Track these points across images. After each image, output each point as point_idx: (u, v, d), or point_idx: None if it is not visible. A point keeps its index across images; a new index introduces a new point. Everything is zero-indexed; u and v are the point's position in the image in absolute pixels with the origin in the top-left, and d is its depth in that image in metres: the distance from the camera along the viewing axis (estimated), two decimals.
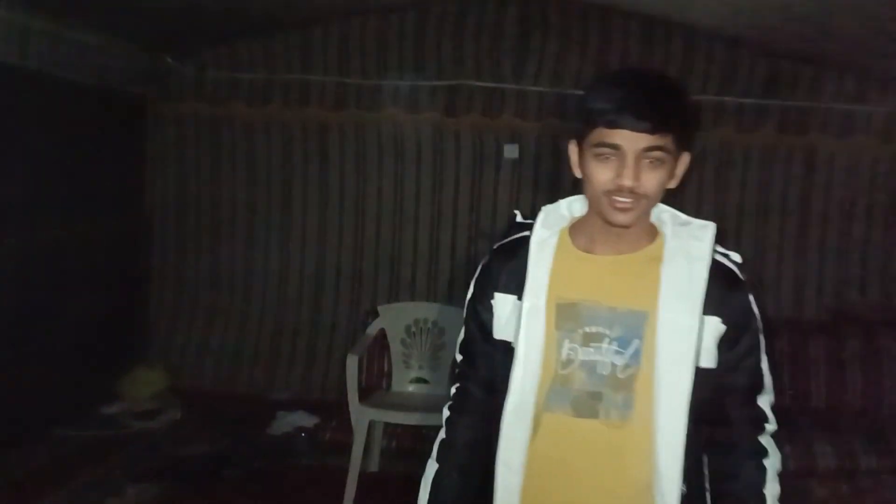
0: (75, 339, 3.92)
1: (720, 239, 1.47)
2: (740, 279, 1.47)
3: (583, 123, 1.40)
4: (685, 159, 1.45)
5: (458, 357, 1.65)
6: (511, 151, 4.44)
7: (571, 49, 4.37)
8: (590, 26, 4.35)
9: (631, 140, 1.34)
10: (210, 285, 4.64)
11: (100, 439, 3.80)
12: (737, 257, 1.50)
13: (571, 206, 1.57)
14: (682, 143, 1.40)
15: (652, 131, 1.33)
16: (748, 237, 4.46)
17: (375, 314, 3.85)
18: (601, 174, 1.38)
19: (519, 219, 1.60)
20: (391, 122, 4.48)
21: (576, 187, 1.48)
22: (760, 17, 3.57)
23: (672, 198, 1.46)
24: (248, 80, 4.50)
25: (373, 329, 3.77)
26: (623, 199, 1.37)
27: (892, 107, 4.29)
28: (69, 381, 3.84)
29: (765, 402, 1.51)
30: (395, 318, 3.82)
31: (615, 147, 1.35)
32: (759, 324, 1.50)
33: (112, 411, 4.11)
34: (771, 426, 1.50)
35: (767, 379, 1.51)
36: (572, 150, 1.47)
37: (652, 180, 1.37)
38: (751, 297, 1.47)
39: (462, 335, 1.64)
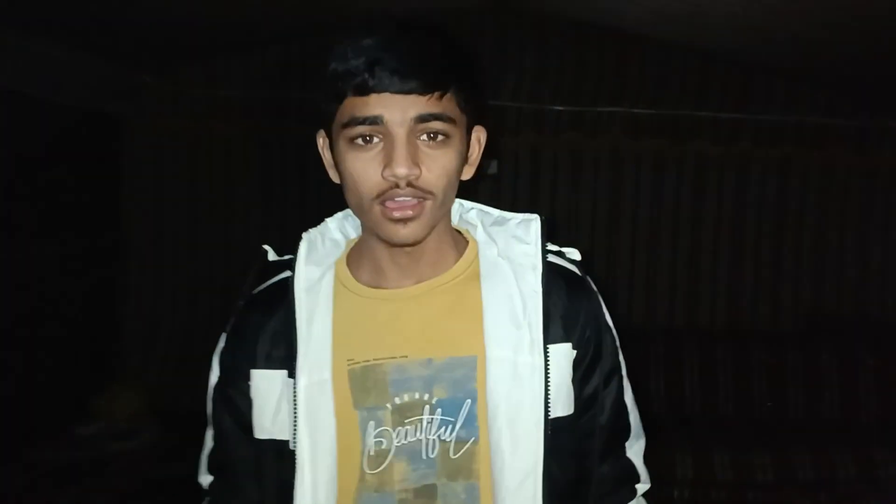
0: (49, 357, 3.86)
1: (550, 234, 1.14)
2: (585, 282, 1.14)
3: (327, 100, 1.03)
4: (480, 135, 1.12)
5: (206, 479, 1.15)
6: (491, 168, 4.45)
7: (549, 64, 4.40)
8: (567, 43, 4.39)
9: (396, 107, 0.98)
10: (188, 301, 4.60)
11: (75, 462, 3.73)
12: (574, 254, 1.17)
13: (344, 227, 1.19)
14: (471, 111, 1.07)
15: (423, 90, 0.99)
16: (726, 246, 4.51)
17: None
18: (362, 168, 1.00)
19: (272, 256, 1.17)
20: None
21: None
22: (733, 32, 3.62)
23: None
24: (225, 96, 4.48)
25: None
26: (401, 200, 1.00)
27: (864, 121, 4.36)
28: (42, 400, 3.78)
29: (635, 451, 1.17)
30: None
31: (375, 121, 0.98)
32: (616, 340, 1.16)
33: (88, 432, 4.04)
34: (643, 485, 1.17)
35: (634, 417, 1.17)
36: (322, 144, 1.11)
37: (437, 165, 1.01)
38: (602, 305, 1.14)
39: (208, 443, 1.15)
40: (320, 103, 1.05)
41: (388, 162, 0.99)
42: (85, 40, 3.67)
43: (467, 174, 1.11)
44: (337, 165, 1.06)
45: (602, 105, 4.41)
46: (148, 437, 4.06)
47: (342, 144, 1.02)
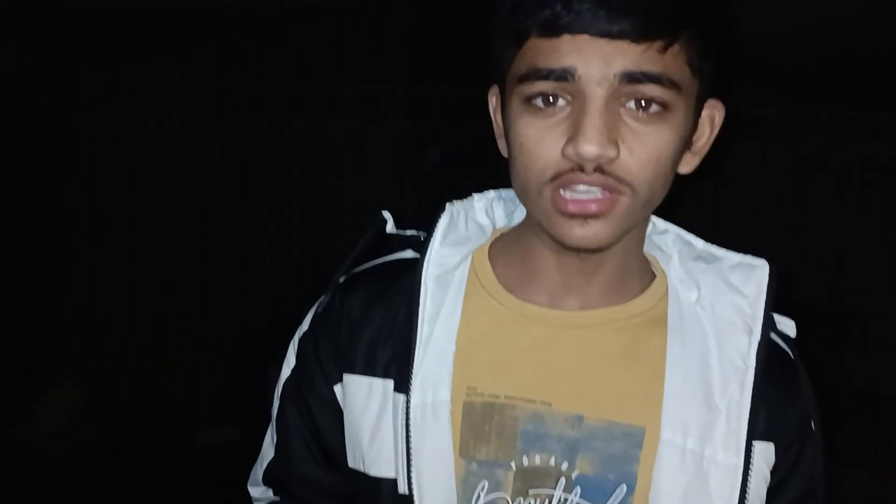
0: None
1: (779, 291, 0.84)
2: (798, 369, 0.85)
3: (503, 43, 0.76)
4: (715, 112, 0.82)
5: (258, 490, 0.95)
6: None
7: None
8: None
9: (596, 57, 0.70)
10: (128, 298, 4.49)
11: (11, 463, 3.61)
12: (789, 326, 0.88)
13: (493, 211, 0.93)
14: (706, 76, 0.76)
15: (639, 35, 0.70)
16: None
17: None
18: (536, 138, 0.73)
19: (392, 227, 0.92)
20: (309, 129, 4.43)
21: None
22: None
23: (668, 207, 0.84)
24: (164, 86, 4.38)
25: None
26: (584, 191, 0.72)
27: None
28: None
29: None
30: None
31: (563, 74, 0.71)
32: (821, 456, 0.86)
33: (24, 433, 3.92)
34: None
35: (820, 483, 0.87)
36: (494, 104, 0.84)
37: (645, 146, 0.72)
38: (813, 404, 0.85)
39: (267, 452, 0.93)
40: (494, 46, 0.78)
41: (573, 134, 0.71)
42: (14, 28, 3.55)
43: (688, 166, 0.81)
44: (507, 134, 0.77)
45: None
46: (86, 437, 3.97)
47: (515, 105, 0.74)
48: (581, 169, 0.71)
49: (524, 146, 0.74)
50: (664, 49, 0.70)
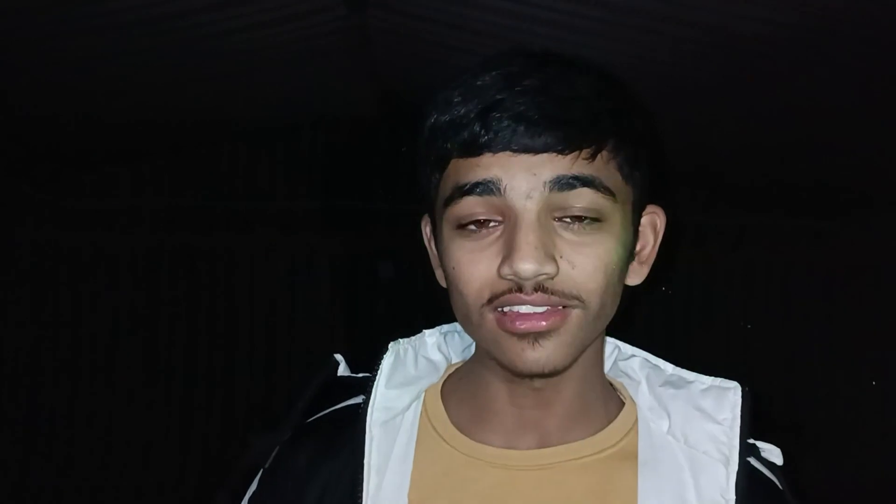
0: None
1: (756, 415, 0.79)
2: (787, 501, 0.79)
3: (428, 170, 0.75)
4: (656, 219, 0.80)
5: None
6: (385, 270, 4.43)
7: None
8: None
9: (521, 170, 0.68)
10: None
11: None
12: (774, 454, 0.83)
13: (447, 346, 0.87)
14: (639, 182, 0.75)
15: (564, 145, 0.68)
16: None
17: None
18: (469, 262, 0.70)
19: (344, 369, 0.87)
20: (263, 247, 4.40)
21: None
22: None
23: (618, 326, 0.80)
24: (112, 206, 4.34)
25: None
26: (528, 309, 0.68)
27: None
28: None
29: None
30: None
31: (488, 188, 0.68)
32: None
33: None
34: None
35: None
36: (428, 234, 0.82)
37: (587, 258, 0.69)
38: None
39: None
40: (420, 175, 0.76)
41: (507, 252, 0.67)
42: None
43: (637, 277, 0.78)
44: (441, 262, 0.74)
45: None
46: None
47: (447, 231, 0.71)
48: (520, 289, 0.67)
49: (457, 270, 0.70)
50: (592, 156, 0.69)
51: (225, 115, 3.74)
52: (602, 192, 0.69)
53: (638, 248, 0.77)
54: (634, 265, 0.77)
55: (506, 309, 0.69)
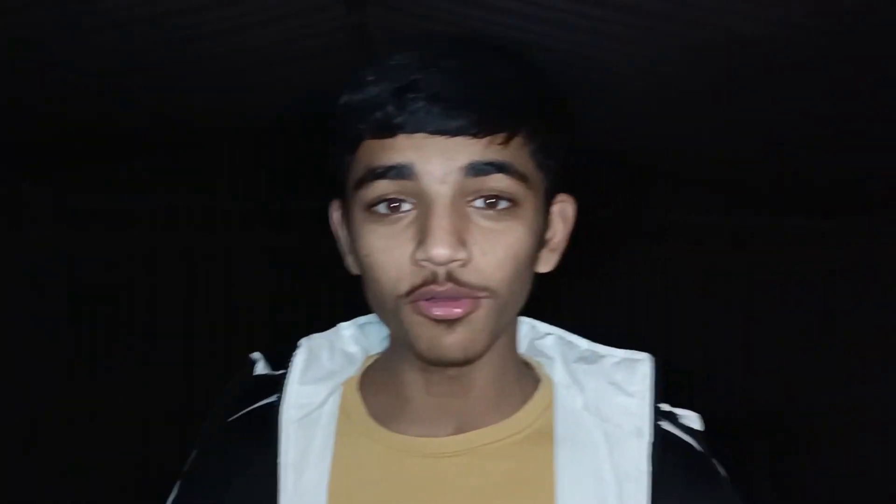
0: None
1: (668, 384, 0.79)
2: (709, 465, 0.78)
3: (339, 152, 0.72)
4: (566, 208, 0.79)
5: None
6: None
7: None
8: None
9: (435, 153, 0.67)
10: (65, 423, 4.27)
11: None
12: (693, 420, 0.81)
13: (364, 338, 0.86)
14: (552, 170, 0.74)
15: (479, 128, 0.67)
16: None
17: None
18: (383, 249, 0.69)
19: (261, 368, 0.85)
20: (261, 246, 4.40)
21: None
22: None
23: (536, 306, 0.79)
24: (110, 203, 4.34)
25: None
26: (441, 299, 0.68)
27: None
28: None
29: None
30: None
31: (401, 172, 0.67)
32: None
33: None
34: None
35: None
36: (337, 219, 0.79)
37: (499, 245, 0.69)
38: (736, 498, 0.78)
39: None
40: (331, 158, 0.74)
41: (421, 237, 0.66)
42: None
43: (547, 265, 0.77)
44: (353, 248, 0.73)
45: None
46: None
47: (357, 215, 0.70)
48: (434, 281, 0.66)
49: (371, 258, 0.69)
50: (506, 141, 0.68)
51: (223, 113, 3.73)
52: (515, 178, 0.68)
53: (549, 236, 0.77)
54: (545, 252, 0.76)
55: (418, 302, 0.68)
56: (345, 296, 0.80)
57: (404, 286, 0.68)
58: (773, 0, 1.94)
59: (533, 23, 2.39)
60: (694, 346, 4.60)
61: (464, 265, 0.67)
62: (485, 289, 0.68)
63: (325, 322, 0.87)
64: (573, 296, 4.10)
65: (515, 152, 0.68)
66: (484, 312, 0.69)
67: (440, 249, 0.65)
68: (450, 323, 0.68)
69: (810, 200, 4.11)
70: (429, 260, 0.65)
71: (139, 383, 4.29)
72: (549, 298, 0.77)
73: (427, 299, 0.67)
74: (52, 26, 2.35)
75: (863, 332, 4.24)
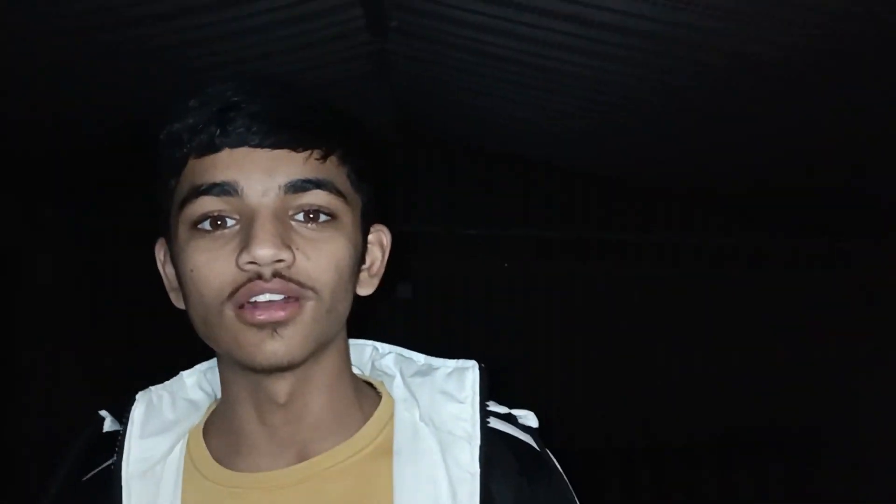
0: None
1: (495, 387, 0.82)
2: (544, 458, 0.82)
3: (163, 178, 0.74)
4: (382, 236, 0.84)
5: None
6: (404, 291, 4.46)
7: (460, 189, 4.54)
8: (475, 168, 4.55)
9: (257, 169, 0.70)
10: None
11: None
12: (529, 418, 0.85)
13: (207, 383, 0.86)
14: (365, 194, 0.78)
15: (297, 143, 0.71)
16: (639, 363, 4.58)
17: None
18: (207, 259, 0.70)
19: (110, 424, 0.82)
20: None
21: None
22: (634, 159, 3.82)
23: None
24: (130, 224, 4.39)
25: None
26: (268, 300, 0.69)
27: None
28: None
29: None
30: None
31: (225, 188, 0.69)
32: None
33: None
34: None
35: None
36: (162, 258, 0.80)
37: (320, 251, 0.71)
38: (570, 491, 0.83)
39: None
40: (156, 189, 0.75)
41: (245, 243, 0.68)
42: None
43: (367, 288, 0.81)
44: (177, 272, 0.73)
45: (512, 228, 4.56)
46: None
47: (182, 235, 0.71)
48: (259, 277, 0.68)
49: (195, 272, 0.70)
50: (323, 157, 0.72)
51: None
52: (334, 194, 0.72)
53: (368, 262, 0.81)
54: (365, 276, 0.80)
55: (246, 305, 0.69)
56: None
57: (228, 288, 0.69)
58: (786, 23, 1.97)
59: (551, 49, 2.43)
60: (713, 363, 4.59)
61: (289, 266, 0.69)
62: (311, 288, 0.70)
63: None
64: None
65: (333, 170, 0.73)
66: (309, 315, 0.70)
67: (264, 249, 0.67)
68: (274, 326, 0.69)
69: (827, 222, 4.12)
70: (254, 261, 0.67)
71: None
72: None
73: (250, 302, 0.68)
74: (73, 49, 2.39)
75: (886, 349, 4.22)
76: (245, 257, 0.67)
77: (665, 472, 4.29)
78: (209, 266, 0.69)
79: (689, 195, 4.43)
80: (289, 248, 0.69)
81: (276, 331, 0.69)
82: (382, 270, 0.83)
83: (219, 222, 0.70)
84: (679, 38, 2.20)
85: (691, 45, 2.23)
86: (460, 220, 4.52)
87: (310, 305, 0.70)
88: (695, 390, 4.63)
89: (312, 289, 0.70)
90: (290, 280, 0.69)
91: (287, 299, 0.69)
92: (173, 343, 4.53)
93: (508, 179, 4.57)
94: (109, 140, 3.35)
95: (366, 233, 0.80)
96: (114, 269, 4.43)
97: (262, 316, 0.68)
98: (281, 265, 0.68)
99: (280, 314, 0.69)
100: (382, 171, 0.68)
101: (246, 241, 0.68)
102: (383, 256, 0.83)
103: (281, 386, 0.74)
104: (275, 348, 0.69)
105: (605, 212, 4.59)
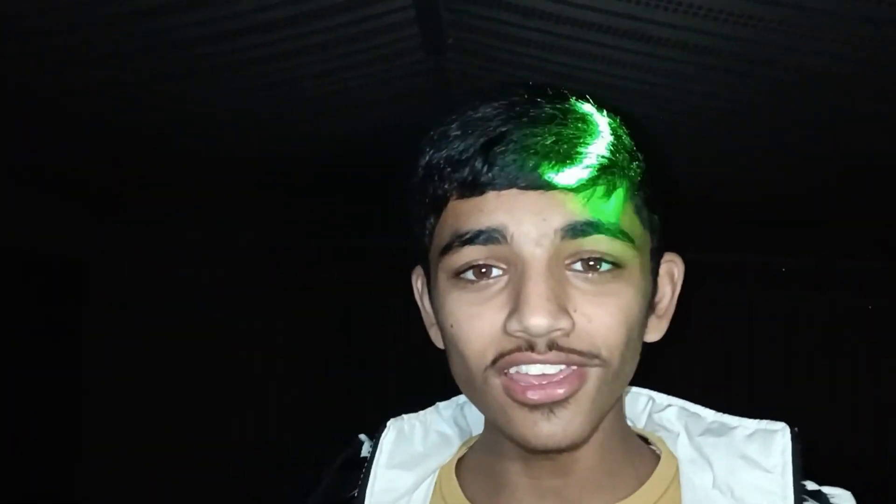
0: None
1: (809, 457, 0.70)
2: None
3: (421, 215, 0.67)
4: (674, 268, 0.73)
5: None
6: None
7: None
8: None
9: (529, 213, 0.60)
10: (148, 461, 4.39)
11: None
12: (845, 498, 0.72)
13: (464, 418, 0.81)
14: (657, 228, 0.68)
15: (579, 183, 0.60)
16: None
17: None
18: (470, 318, 0.62)
19: (368, 448, 0.78)
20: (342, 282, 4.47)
21: None
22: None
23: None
24: (194, 239, 4.48)
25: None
26: (539, 373, 0.61)
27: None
28: None
29: None
30: None
31: (492, 237, 0.61)
32: None
33: None
34: None
35: None
36: (420, 288, 0.75)
37: (605, 310, 0.61)
38: None
39: None
40: (412, 221, 0.68)
41: (515, 305, 0.59)
42: (47, 182, 3.68)
43: (656, 332, 0.70)
44: (437, 319, 0.67)
45: None
46: None
47: (442, 283, 0.64)
48: (531, 348, 0.59)
49: (456, 328, 0.62)
50: (607, 196, 0.61)
51: (302, 156, 3.83)
52: (620, 238, 0.61)
53: (656, 299, 0.70)
54: (653, 319, 0.70)
55: (513, 371, 0.60)
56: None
57: (491, 354, 0.60)
58: (853, 37, 1.91)
59: (614, 67, 2.40)
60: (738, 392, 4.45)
61: (567, 335, 0.59)
62: (595, 356, 0.60)
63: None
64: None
65: (618, 209, 0.61)
66: (593, 386, 0.61)
67: (538, 319, 0.57)
68: (551, 406, 0.60)
69: (890, 242, 3.98)
70: (524, 331, 0.58)
71: (214, 416, 4.38)
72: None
73: (520, 373, 0.59)
74: (138, 72, 2.46)
75: None
76: (514, 325, 0.59)
77: None
78: (471, 324, 0.62)
79: (756, 215, 4.32)
80: (567, 312, 0.59)
81: (552, 411, 0.61)
82: (672, 309, 0.72)
83: (483, 270, 0.62)
84: (740, 54, 2.16)
85: (754, 61, 2.18)
86: None
87: (594, 375, 0.61)
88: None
89: (597, 356, 0.61)
90: (569, 351, 0.60)
91: (565, 370, 0.60)
92: (238, 359, 4.61)
93: None
94: (185, 153, 3.43)
95: (655, 273, 0.69)
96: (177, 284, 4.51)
97: (535, 396, 0.60)
98: (558, 334, 0.60)
99: (558, 392, 0.60)
100: (673, 193, 0.69)
101: (516, 303, 0.59)
102: (674, 292, 0.72)
103: (553, 455, 0.66)
104: (552, 431, 0.61)
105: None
